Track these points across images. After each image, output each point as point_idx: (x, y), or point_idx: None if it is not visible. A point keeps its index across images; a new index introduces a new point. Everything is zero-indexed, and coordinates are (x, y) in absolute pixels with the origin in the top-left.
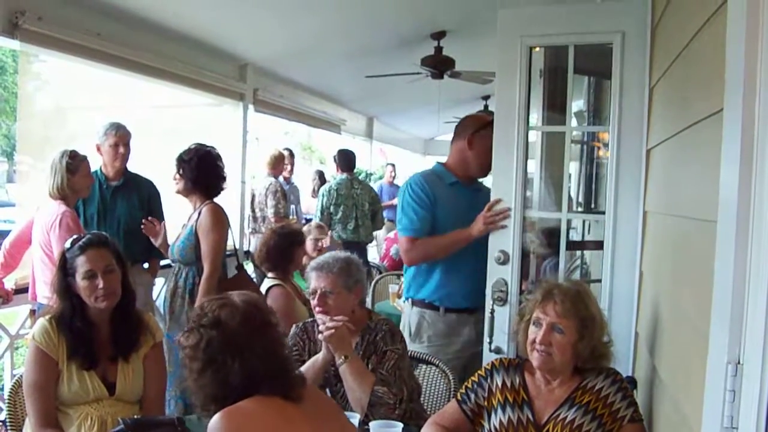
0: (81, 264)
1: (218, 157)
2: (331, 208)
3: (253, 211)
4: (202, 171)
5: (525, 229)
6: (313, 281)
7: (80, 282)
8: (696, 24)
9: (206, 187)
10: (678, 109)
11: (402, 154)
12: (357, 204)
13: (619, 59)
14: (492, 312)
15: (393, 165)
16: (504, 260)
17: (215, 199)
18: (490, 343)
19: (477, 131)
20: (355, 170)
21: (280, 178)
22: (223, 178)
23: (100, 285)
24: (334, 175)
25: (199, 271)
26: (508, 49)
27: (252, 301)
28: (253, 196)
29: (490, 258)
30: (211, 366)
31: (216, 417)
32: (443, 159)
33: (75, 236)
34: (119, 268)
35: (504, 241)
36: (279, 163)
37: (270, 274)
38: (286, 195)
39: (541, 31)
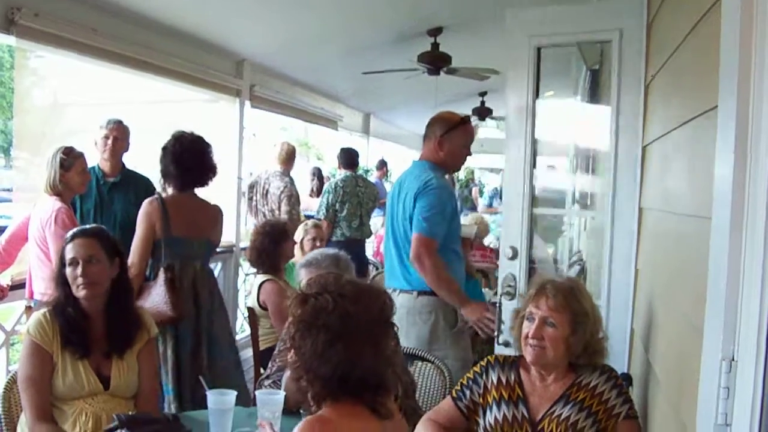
0: (68, 251)
1: (194, 145)
2: (337, 205)
3: (264, 206)
4: (169, 161)
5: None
6: (303, 278)
7: (67, 269)
8: (691, 21)
9: (175, 178)
10: (673, 106)
11: (398, 150)
12: (361, 201)
13: (617, 57)
14: (500, 306)
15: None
16: (513, 255)
17: (202, 190)
18: (498, 336)
19: (446, 133)
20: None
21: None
22: (191, 169)
23: (78, 273)
24: (332, 171)
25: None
26: (515, 48)
27: (385, 292)
28: (266, 191)
29: (502, 254)
30: (341, 341)
31: (305, 426)
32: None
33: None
34: (114, 262)
35: (514, 238)
36: (291, 158)
37: (261, 271)
38: (299, 199)
39: (549, 30)
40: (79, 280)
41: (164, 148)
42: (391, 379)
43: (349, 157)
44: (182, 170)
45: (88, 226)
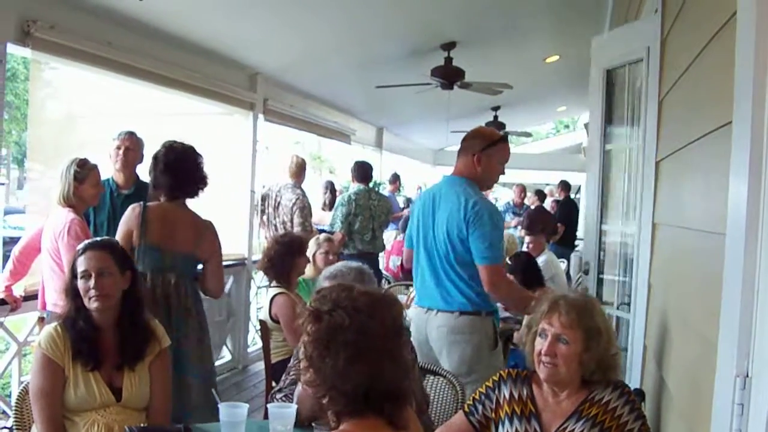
0: (79, 264)
1: (184, 155)
2: (350, 217)
3: (275, 218)
4: (159, 170)
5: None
6: None
7: (78, 282)
8: (705, 37)
9: (163, 187)
10: (687, 122)
11: (411, 164)
12: (374, 215)
13: (645, 72)
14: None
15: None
16: (587, 270)
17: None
18: None
19: (485, 149)
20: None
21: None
22: (179, 179)
23: (91, 285)
24: (345, 185)
25: None
26: (595, 73)
27: (396, 300)
28: (278, 203)
29: (576, 267)
30: (361, 357)
31: None
32: (453, 169)
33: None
34: (125, 274)
35: (588, 254)
36: (302, 170)
37: (274, 283)
38: (311, 210)
39: (612, 54)
40: (92, 292)
41: (155, 157)
42: (409, 388)
43: (363, 171)
44: (171, 179)
45: (99, 239)
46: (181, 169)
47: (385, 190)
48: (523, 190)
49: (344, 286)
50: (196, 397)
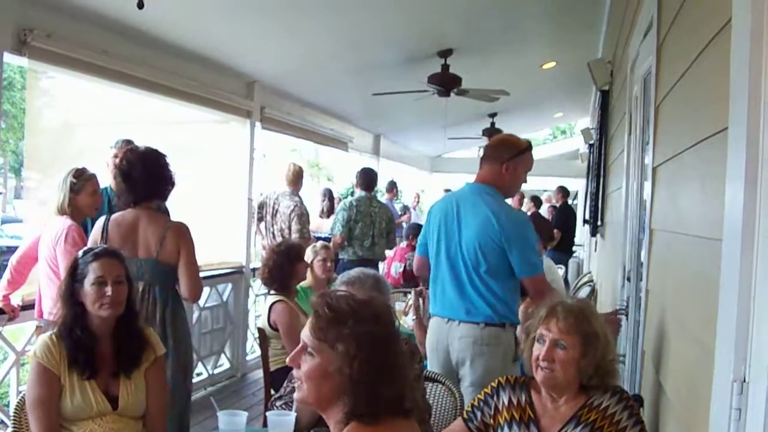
0: (93, 270)
1: (143, 158)
2: (350, 223)
3: (273, 225)
4: (119, 177)
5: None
6: None
7: (88, 288)
8: (701, 43)
9: (124, 193)
10: (683, 127)
11: (408, 171)
12: (374, 222)
13: (654, 81)
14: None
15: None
16: (629, 277)
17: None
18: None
19: (513, 157)
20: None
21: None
22: (138, 183)
23: (108, 293)
24: (345, 191)
25: None
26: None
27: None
28: (276, 211)
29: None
30: (372, 364)
31: None
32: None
33: (90, 247)
34: (127, 283)
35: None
36: (299, 178)
37: (272, 291)
38: (309, 218)
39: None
40: (107, 299)
41: (115, 165)
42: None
43: (367, 178)
44: (130, 185)
45: (109, 247)
46: (140, 172)
47: (383, 197)
48: (522, 198)
49: (346, 295)
50: None
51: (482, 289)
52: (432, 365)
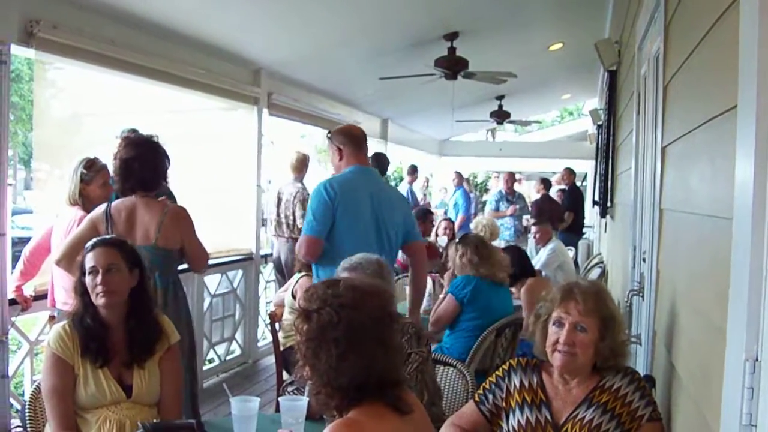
0: (88, 260)
1: (139, 146)
2: None
3: (278, 215)
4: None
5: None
6: None
7: (86, 279)
8: (709, 20)
9: (121, 181)
10: (692, 107)
11: (417, 155)
12: None
13: (663, 60)
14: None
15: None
16: (644, 258)
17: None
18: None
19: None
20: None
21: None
22: (134, 171)
23: (98, 281)
24: None
25: None
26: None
27: (384, 289)
28: (279, 200)
29: (633, 257)
30: (353, 352)
31: (336, 429)
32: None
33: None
34: (134, 272)
35: (645, 241)
36: (304, 165)
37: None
38: None
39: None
40: (99, 288)
41: (113, 154)
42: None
43: (379, 163)
44: (127, 172)
45: (108, 236)
46: (136, 160)
47: (405, 181)
48: (510, 177)
49: (330, 282)
50: None
51: None
52: None
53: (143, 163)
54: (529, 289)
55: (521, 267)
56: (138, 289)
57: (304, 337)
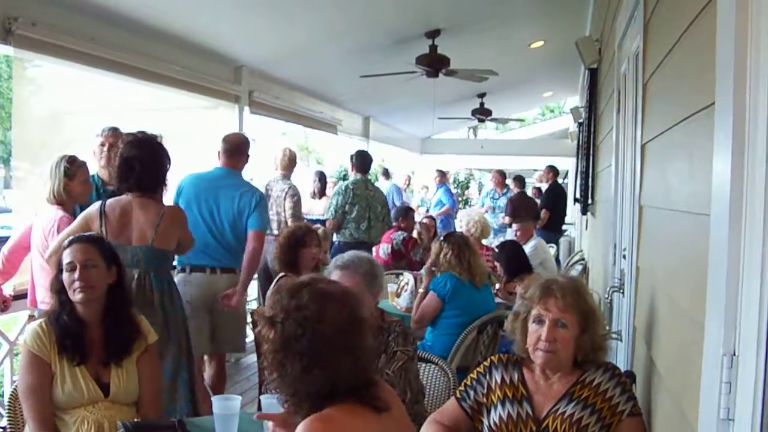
0: (65, 256)
1: (141, 145)
2: (346, 206)
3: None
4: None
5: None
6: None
7: (64, 274)
8: (687, 19)
9: (121, 180)
10: (671, 104)
11: (399, 153)
12: (371, 205)
13: (642, 58)
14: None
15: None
16: (624, 255)
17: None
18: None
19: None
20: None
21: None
22: (135, 170)
23: (76, 277)
24: (339, 172)
25: None
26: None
27: (350, 292)
28: (268, 197)
29: (613, 254)
30: (317, 364)
31: (310, 424)
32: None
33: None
34: (111, 269)
35: (626, 239)
36: (293, 163)
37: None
38: (300, 199)
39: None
40: (76, 283)
41: (117, 152)
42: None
43: (362, 161)
44: (127, 171)
45: (86, 233)
46: (138, 160)
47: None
48: (498, 175)
49: (294, 289)
50: (163, 395)
51: None
52: None
53: (144, 163)
54: (527, 287)
55: (518, 263)
56: (115, 286)
57: (270, 347)
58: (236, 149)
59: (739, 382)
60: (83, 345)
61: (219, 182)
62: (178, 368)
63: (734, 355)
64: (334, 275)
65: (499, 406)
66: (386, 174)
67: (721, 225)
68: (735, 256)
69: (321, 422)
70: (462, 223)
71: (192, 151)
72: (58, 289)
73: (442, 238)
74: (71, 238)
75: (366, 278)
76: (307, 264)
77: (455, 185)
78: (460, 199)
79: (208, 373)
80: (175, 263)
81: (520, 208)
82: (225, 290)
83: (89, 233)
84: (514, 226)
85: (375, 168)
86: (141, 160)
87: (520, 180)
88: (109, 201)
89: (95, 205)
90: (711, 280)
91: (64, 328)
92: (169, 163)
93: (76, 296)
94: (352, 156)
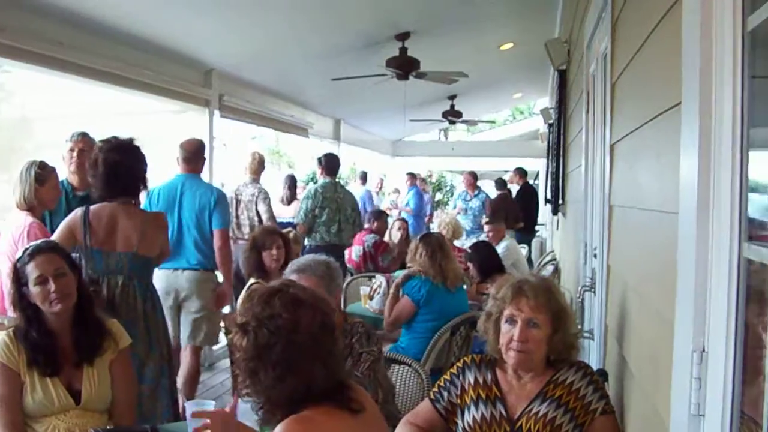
0: (31, 271)
1: (119, 150)
2: (316, 210)
3: (237, 217)
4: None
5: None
6: None
7: (33, 289)
8: (654, 19)
9: (100, 186)
10: (639, 104)
11: (370, 156)
12: (340, 208)
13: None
14: (582, 299)
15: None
16: (595, 254)
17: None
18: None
19: None
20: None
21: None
22: (115, 176)
23: (52, 288)
24: (307, 176)
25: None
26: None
27: (321, 297)
28: (238, 201)
29: (584, 252)
30: (290, 372)
31: (288, 425)
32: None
33: (25, 247)
34: (72, 272)
35: (596, 238)
36: (262, 166)
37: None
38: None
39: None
40: (53, 295)
41: (93, 158)
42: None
43: (331, 163)
44: (113, 178)
45: (41, 242)
46: (117, 165)
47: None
48: (470, 176)
49: (267, 296)
50: (144, 402)
51: None
52: None
53: (129, 169)
54: (499, 287)
55: (491, 264)
56: (78, 289)
57: (242, 355)
58: (194, 155)
59: (709, 377)
60: (55, 356)
61: (182, 188)
62: (160, 375)
63: (704, 351)
64: (292, 279)
65: (473, 407)
66: (364, 178)
67: (689, 222)
68: (703, 253)
69: (299, 423)
70: (434, 225)
71: (162, 155)
72: (24, 305)
73: (419, 237)
74: (30, 251)
75: (324, 280)
76: (271, 267)
77: (436, 185)
78: (434, 201)
79: (182, 369)
80: None
81: (497, 210)
82: (188, 286)
83: (45, 241)
84: (486, 227)
85: (348, 172)
86: (126, 165)
87: (501, 183)
88: (93, 208)
89: (77, 213)
90: (680, 277)
91: (33, 344)
92: (146, 167)
93: (54, 308)
94: (320, 159)
